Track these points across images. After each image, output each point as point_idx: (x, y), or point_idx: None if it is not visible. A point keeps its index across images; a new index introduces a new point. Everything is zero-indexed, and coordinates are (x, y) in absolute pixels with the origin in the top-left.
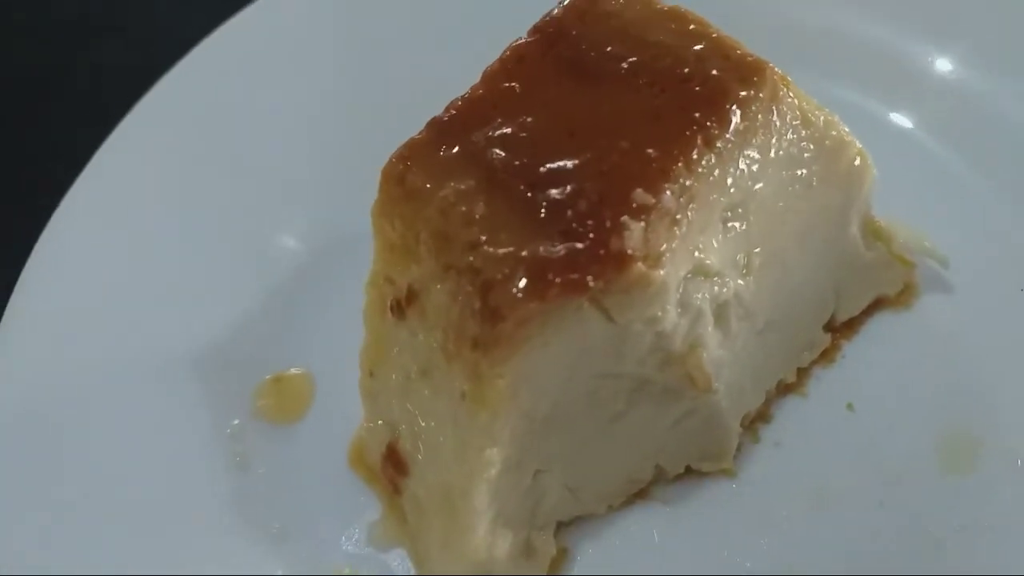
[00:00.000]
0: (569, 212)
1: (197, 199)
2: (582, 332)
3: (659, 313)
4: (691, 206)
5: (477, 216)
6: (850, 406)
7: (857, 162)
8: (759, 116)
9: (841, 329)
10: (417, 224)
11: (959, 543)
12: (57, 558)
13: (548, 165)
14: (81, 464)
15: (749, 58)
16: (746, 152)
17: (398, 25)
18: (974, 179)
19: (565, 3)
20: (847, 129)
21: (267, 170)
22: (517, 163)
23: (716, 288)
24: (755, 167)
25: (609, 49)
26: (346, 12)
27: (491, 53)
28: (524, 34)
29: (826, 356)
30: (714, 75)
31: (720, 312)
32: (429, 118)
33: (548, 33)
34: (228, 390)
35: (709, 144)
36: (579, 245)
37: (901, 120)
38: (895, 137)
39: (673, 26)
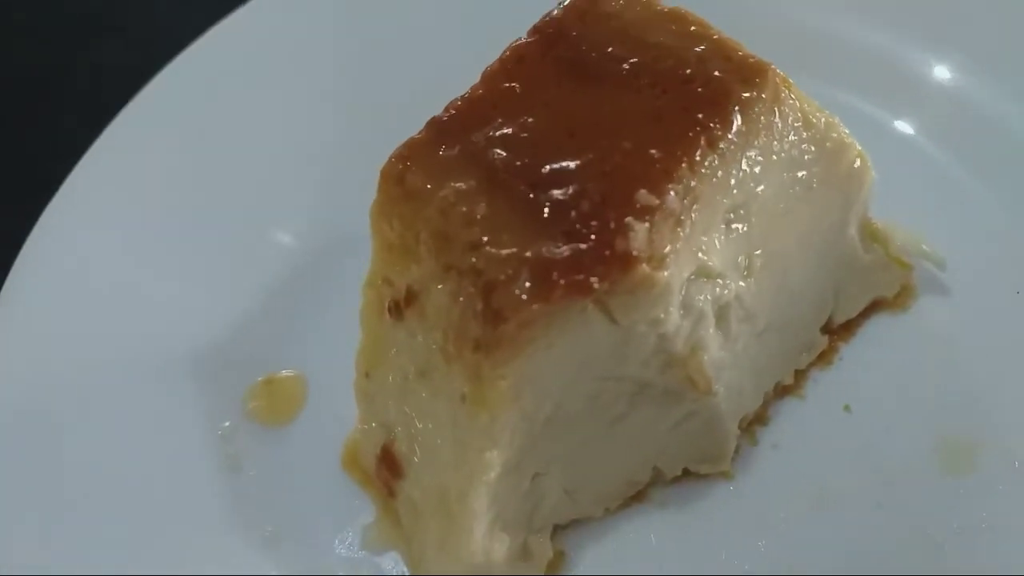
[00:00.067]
0: (572, 213)
1: (191, 198)
2: (586, 334)
3: (662, 315)
4: (695, 207)
5: (478, 216)
6: (847, 408)
7: (857, 164)
8: (761, 117)
9: (838, 331)
10: (417, 224)
11: (957, 544)
12: (45, 558)
13: (550, 165)
14: (70, 466)
15: (751, 59)
16: (748, 153)
17: (397, 24)
18: (971, 182)
19: (565, 4)
20: (847, 131)
21: (263, 169)
22: (518, 163)
23: (718, 290)
24: (757, 168)
25: (610, 50)
26: (345, 11)
27: (491, 53)
28: (524, 34)
29: (823, 358)
30: (716, 76)
31: (721, 314)
32: (429, 118)
33: (548, 34)
34: (220, 391)
35: (712, 145)
36: (583, 246)
37: (899, 124)
38: (893, 140)
39: (674, 27)
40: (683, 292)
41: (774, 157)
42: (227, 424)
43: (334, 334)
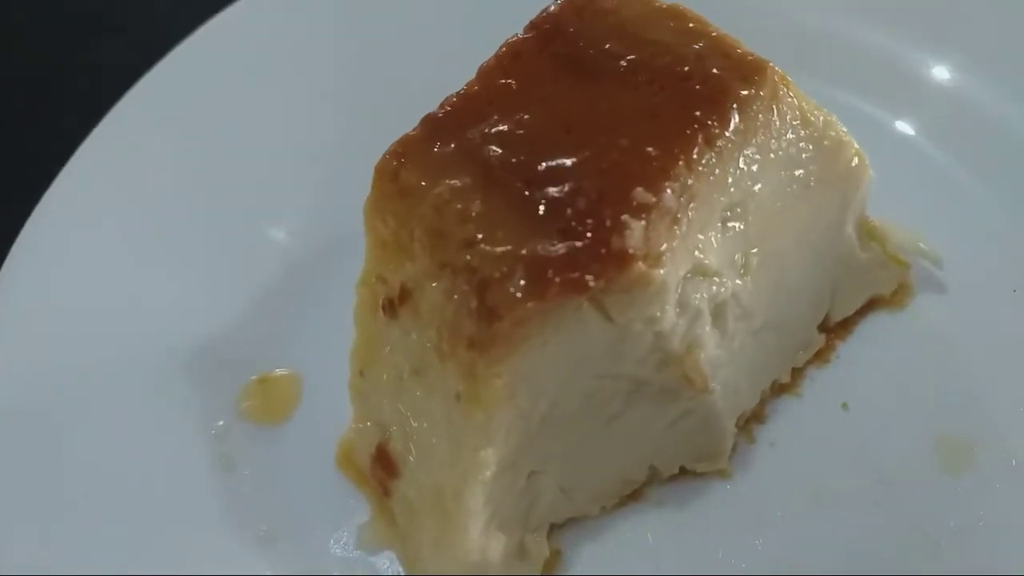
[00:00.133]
0: (568, 210)
1: (183, 196)
2: (581, 332)
3: (658, 313)
4: (691, 205)
5: (473, 213)
6: (845, 406)
7: (855, 163)
8: (759, 115)
9: (836, 329)
10: (411, 221)
11: (955, 543)
12: (39, 558)
13: (546, 162)
14: (63, 465)
15: (749, 57)
16: (746, 151)
17: (393, 21)
18: (969, 181)
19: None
20: (845, 130)
21: (257, 166)
22: (514, 160)
23: (714, 288)
24: (755, 167)
25: (607, 46)
26: (339, 7)
27: (487, 50)
28: (520, 30)
29: (821, 356)
30: (714, 73)
31: (718, 312)
32: (424, 114)
33: (545, 30)
34: (213, 390)
35: (710, 143)
36: (579, 244)
37: (897, 123)
38: (891, 139)
39: (672, 24)
40: (679, 290)
41: (772, 155)
42: (221, 423)
43: (328, 332)
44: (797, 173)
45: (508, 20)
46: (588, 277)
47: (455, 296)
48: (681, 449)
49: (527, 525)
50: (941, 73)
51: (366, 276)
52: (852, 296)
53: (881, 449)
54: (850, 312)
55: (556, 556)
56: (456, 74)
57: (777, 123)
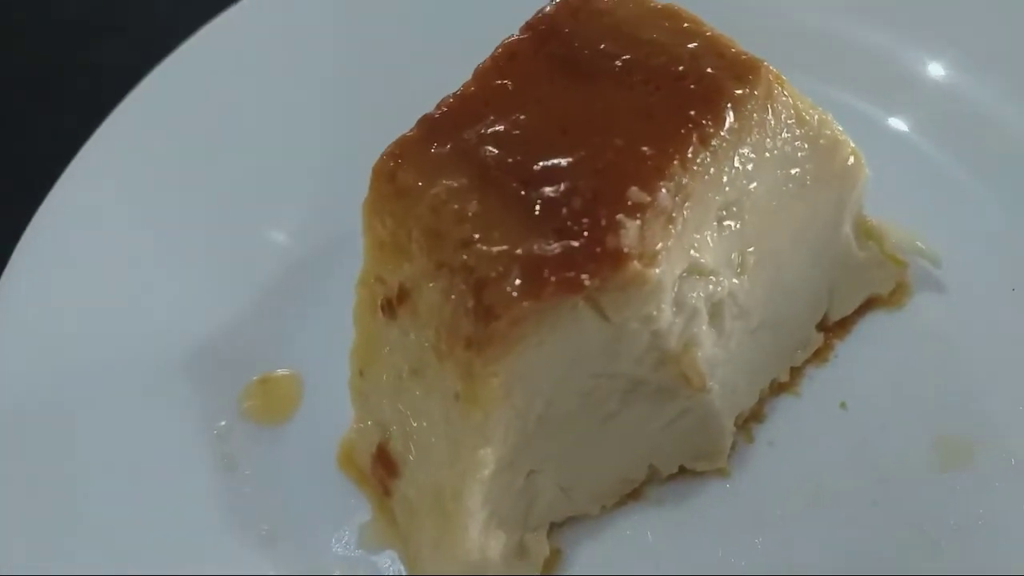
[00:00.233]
0: (564, 210)
1: (184, 197)
2: (577, 331)
3: (654, 312)
4: (686, 204)
5: (470, 214)
6: (843, 405)
7: (850, 161)
8: (754, 114)
9: (834, 328)
10: (408, 222)
11: (953, 541)
12: (40, 557)
13: (541, 163)
14: (64, 465)
15: (744, 56)
16: (741, 150)
17: (389, 22)
18: (966, 180)
19: (557, 0)
20: (840, 128)
21: (255, 167)
22: (510, 160)
23: (711, 287)
24: (750, 166)
25: (602, 47)
26: (338, 9)
27: (483, 50)
28: (516, 31)
29: (819, 355)
30: (709, 73)
31: (715, 311)
32: (420, 115)
33: (540, 30)
34: (215, 391)
35: (704, 142)
36: (574, 243)
37: (893, 122)
38: (887, 138)
39: (667, 24)
40: (676, 289)
41: (767, 154)
42: (222, 423)
43: (329, 333)
44: (793, 172)
45: (504, 21)
46: (584, 276)
47: (452, 296)
48: (680, 448)
49: (527, 524)
50: (937, 71)
51: (365, 276)
52: (850, 295)
53: (880, 448)
54: (848, 311)
55: (556, 555)
56: (452, 75)
57: (772, 122)
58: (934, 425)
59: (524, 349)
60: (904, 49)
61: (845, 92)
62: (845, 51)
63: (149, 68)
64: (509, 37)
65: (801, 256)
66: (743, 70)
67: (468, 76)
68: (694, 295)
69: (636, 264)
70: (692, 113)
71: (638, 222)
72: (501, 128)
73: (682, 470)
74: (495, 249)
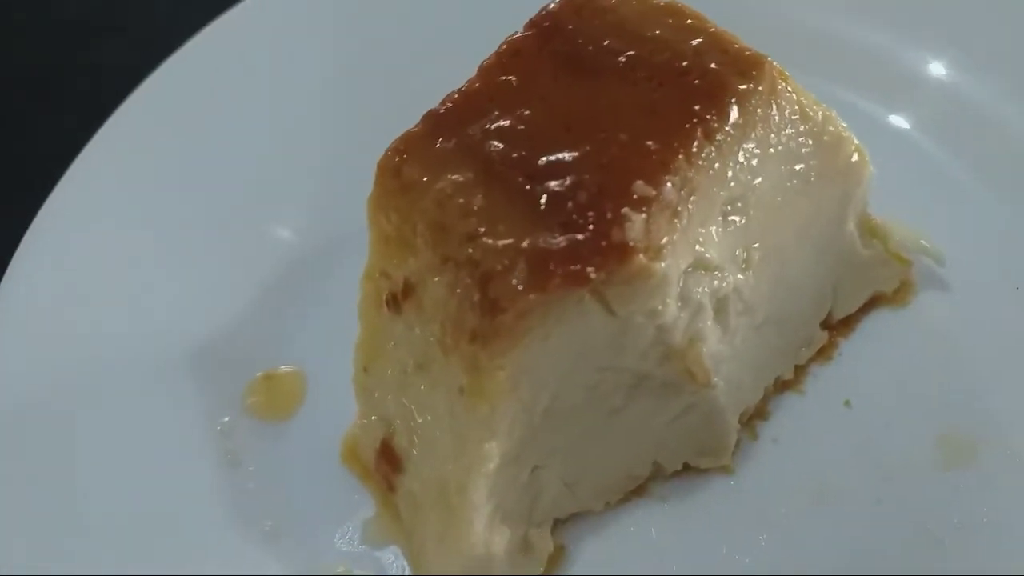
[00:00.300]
0: (569, 204)
1: (188, 194)
2: (583, 324)
3: (660, 306)
4: (691, 199)
5: (475, 208)
6: (847, 403)
7: (855, 158)
8: (758, 110)
9: (838, 326)
10: (413, 216)
11: (957, 540)
12: (43, 557)
13: (546, 157)
14: (68, 463)
15: (747, 52)
16: (745, 146)
17: (393, 19)
18: (970, 178)
19: None
20: (845, 125)
21: (260, 163)
22: (515, 155)
23: (716, 282)
24: (754, 161)
25: (606, 43)
26: (341, 7)
27: (487, 47)
28: (520, 28)
29: (823, 353)
30: (713, 68)
31: (719, 306)
32: (425, 111)
33: (544, 27)
34: (218, 387)
35: (709, 137)
36: (580, 236)
37: (897, 120)
38: (891, 137)
39: (670, 20)
40: (681, 284)
41: (771, 150)
42: (226, 419)
43: (333, 328)
44: (797, 168)
45: (508, 18)
46: (589, 269)
47: (458, 290)
48: (684, 444)
49: (531, 520)
50: (938, 70)
51: (370, 271)
52: (854, 293)
53: (884, 446)
54: (852, 309)
55: (560, 551)
56: (457, 72)
57: (776, 118)
58: (938, 423)
59: (530, 342)
60: (905, 48)
61: (848, 91)
62: (846, 50)
63: (149, 68)
64: (513, 34)
65: (805, 253)
66: (747, 65)
67: (472, 74)
68: (699, 290)
69: (642, 257)
70: (696, 108)
71: (643, 215)
72: (506, 124)
73: (686, 467)
74: (500, 243)
